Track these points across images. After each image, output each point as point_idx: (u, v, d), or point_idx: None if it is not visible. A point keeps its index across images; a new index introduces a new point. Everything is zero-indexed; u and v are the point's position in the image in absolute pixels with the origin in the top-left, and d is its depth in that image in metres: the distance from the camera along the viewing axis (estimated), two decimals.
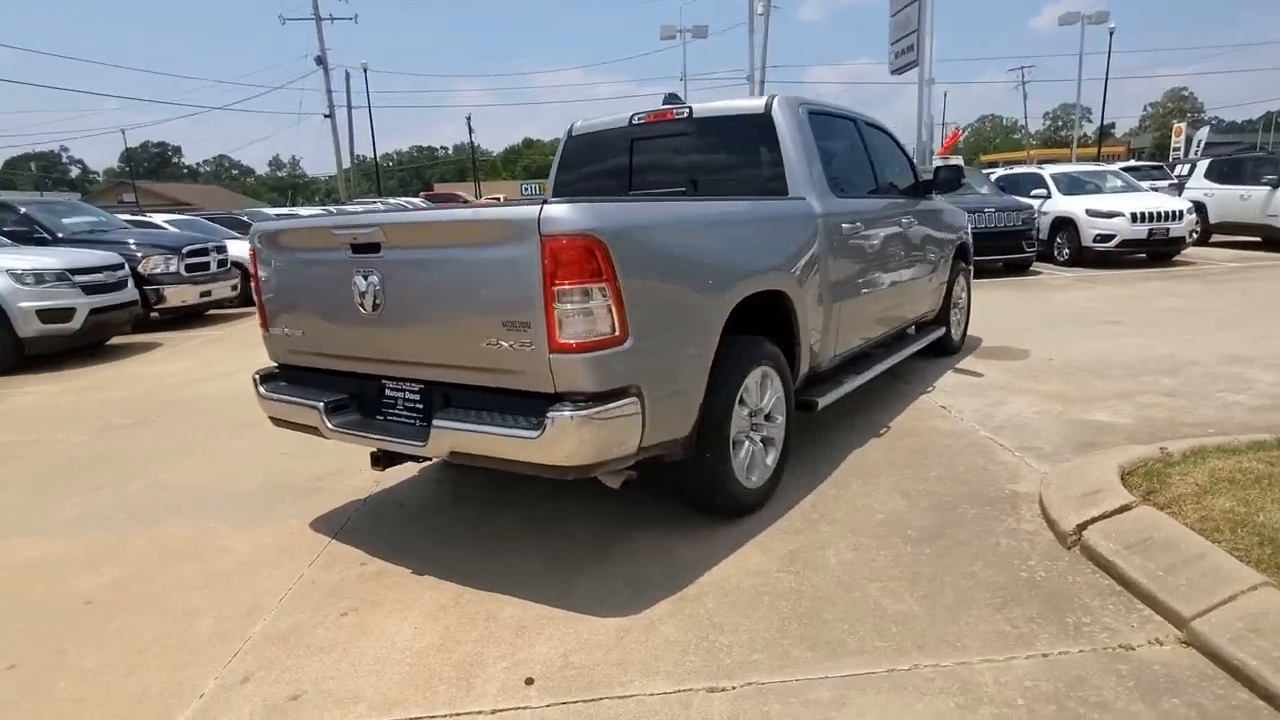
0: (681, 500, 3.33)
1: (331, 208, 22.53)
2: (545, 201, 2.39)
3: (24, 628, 2.72)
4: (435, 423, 2.65)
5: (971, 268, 6.50)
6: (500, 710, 2.14)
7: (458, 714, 2.13)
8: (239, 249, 11.44)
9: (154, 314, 10.16)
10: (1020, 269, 11.59)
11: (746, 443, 3.23)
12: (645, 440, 2.64)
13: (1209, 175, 14.27)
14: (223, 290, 10.93)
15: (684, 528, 3.20)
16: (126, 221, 12.86)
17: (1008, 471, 3.66)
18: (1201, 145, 27.99)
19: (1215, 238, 14.19)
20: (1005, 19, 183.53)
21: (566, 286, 2.38)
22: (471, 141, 64.10)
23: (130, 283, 8.91)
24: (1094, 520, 2.89)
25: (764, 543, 3.05)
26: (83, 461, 4.58)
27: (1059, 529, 2.97)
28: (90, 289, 8.13)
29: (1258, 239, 13.37)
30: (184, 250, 10.41)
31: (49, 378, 7.26)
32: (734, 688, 2.18)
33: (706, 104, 4.10)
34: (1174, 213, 11.27)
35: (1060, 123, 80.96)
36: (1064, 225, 11.98)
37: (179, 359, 8.13)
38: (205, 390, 6.41)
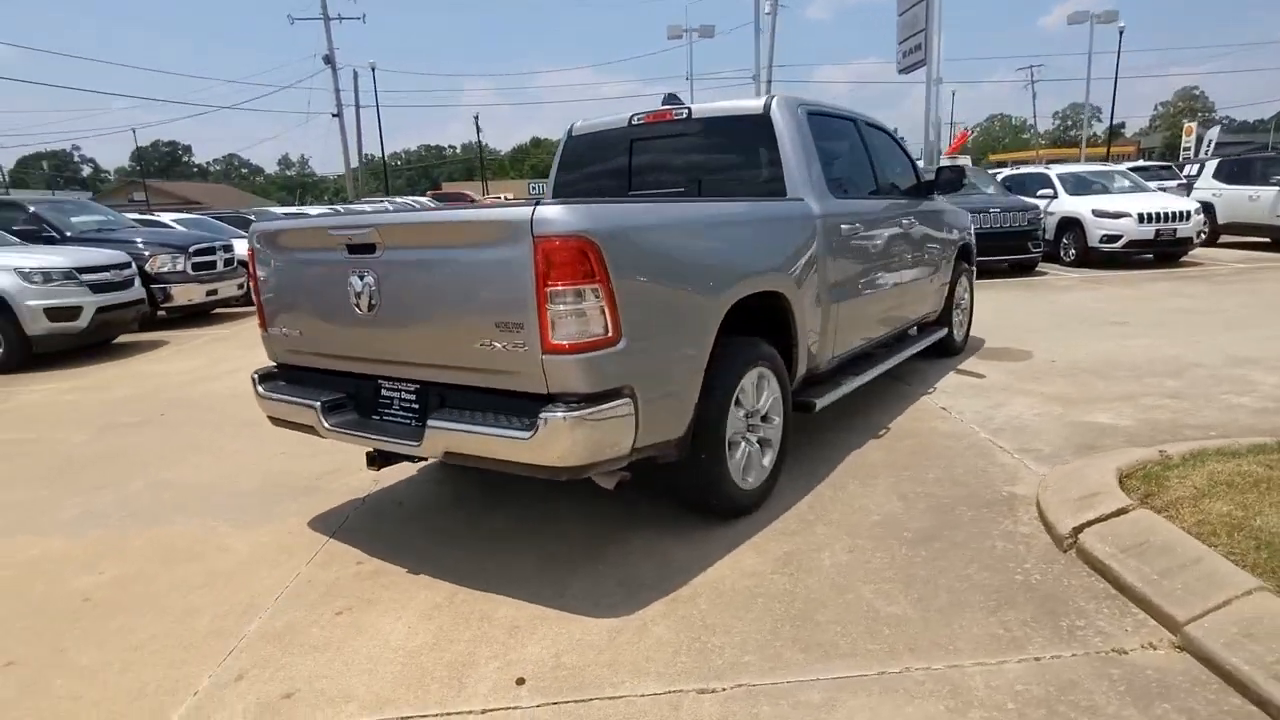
0: (677, 501, 3.34)
1: (339, 206, 22.65)
2: (538, 203, 2.40)
3: (24, 625, 2.74)
4: (430, 423, 2.66)
5: (974, 268, 6.48)
6: (490, 710, 2.14)
7: (448, 713, 2.14)
8: (245, 248, 11.50)
9: (161, 312, 10.22)
10: (1026, 269, 11.54)
11: (743, 444, 3.23)
12: (639, 441, 2.65)
13: (1217, 175, 14.17)
14: (229, 289, 10.99)
15: (679, 528, 3.20)
16: (134, 220, 12.94)
17: (1006, 474, 3.65)
18: (1212, 145, 27.76)
19: (1224, 238, 14.08)
20: (1014, 18, 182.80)
21: (559, 287, 2.38)
22: (479, 140, 64.33)
23: (137, 281, 8.97)
24: (1090, 523, 2.88)
25: (759, 544, 3.05)
26: (86, 460, 4.61)
27: (1055, 532, 2.96)
28: (97, 288, 8.19)
29: (1266, 240, 13.26)
30: (190, 249, 10.48)
31: (56, 376, 7.31)
32: (724, 689, 2.18)
33: (705, 104, 4.10)
34: (1181, 213, 11.20)
35: (1070, 122, 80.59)
36: (1070, 225, 11.93)
37: (185, 357, 8.17)
38: (211, 389, 6.44)
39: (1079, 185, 12.58)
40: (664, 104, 4.23)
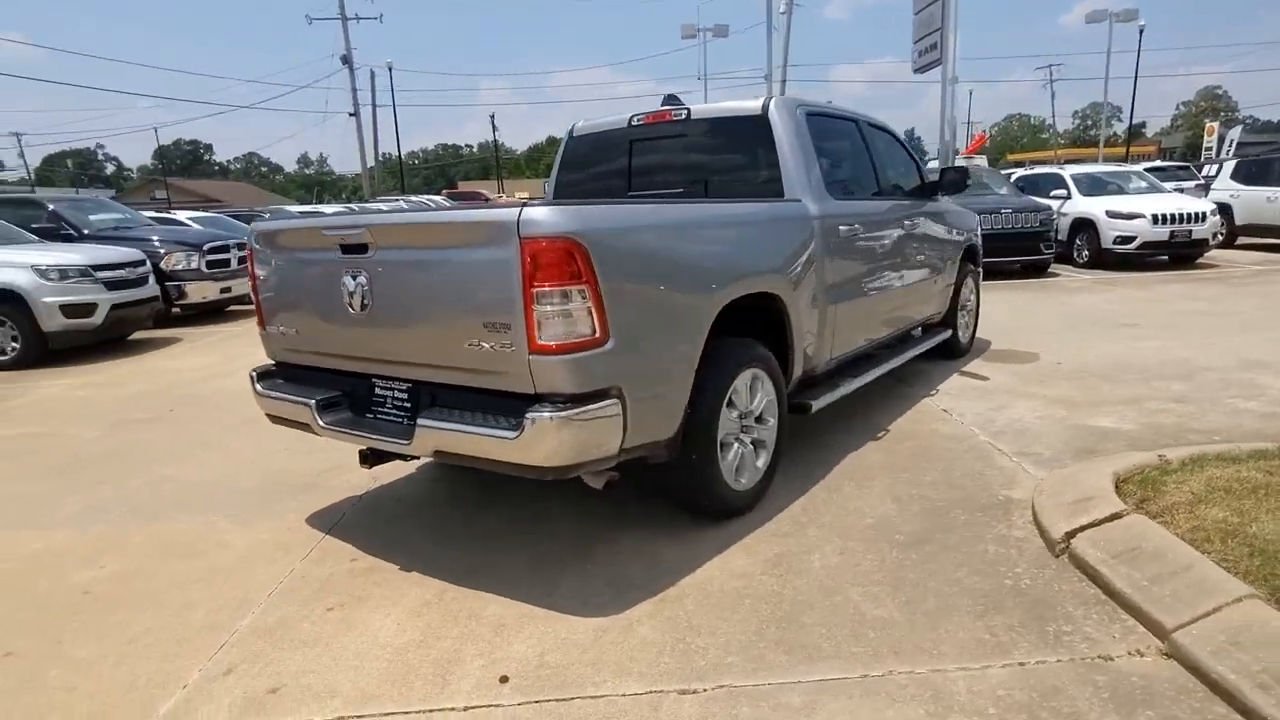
0: (668, 501, 3.34)
1: (354, 205, 22.83)
2: (524, 204, 2.41)
3: (24, 618, 2.79)
4: (420, 422, 2.68)
5: (981, 270, 6.43)
6: (472, 708, 2.16)
7: (431, 710, 2.16)
8: None
9: (175, 309, 10.34)
10: (1038, 271, 11.44)
11: (736, 445, 3.23)
12: (627, 442, 2.65)
13: (1235, 176, 13.97)
14: (243, 287, 11.09)
15: (670, 529, 3.20)
16: (151, 218, 13.10)
17: (1004, 477, 3.63)
18: (1234, 145, 27.37)
19: (1241, 240, 13.90)
20: (1034, 16, 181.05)
21: (546, 288, 2.39)
22: (495, 139, 64.57)
23: (151, 279, 9.08)
24: (1083, 528, 2.86)
25: (750, 545, 3.05)
26: (95, 456, 4.68)
27: (1048, 536, 2.94)
28: (112, 285, 8.31)
29: None
30: (205, 247, 10.61)
31: (71, 371, 7.42)
32: (705, 690, 2.19)
33: (704, 105, 4.11)
34: (1197, 214, 11.06)
35: (1089, 122, 79.73)
36: (1084, 226, 11.81)
37: (198, 354, 8.27)
38: (222, 386, 6.51)
39: (1093, 186, 12.45)
40: (663, 105, 4.23)
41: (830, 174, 4.01)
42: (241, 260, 11.19)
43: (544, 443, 2.45)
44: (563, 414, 2.44)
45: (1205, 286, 9.71)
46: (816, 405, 3.74)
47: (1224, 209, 13.00)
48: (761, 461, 3.40)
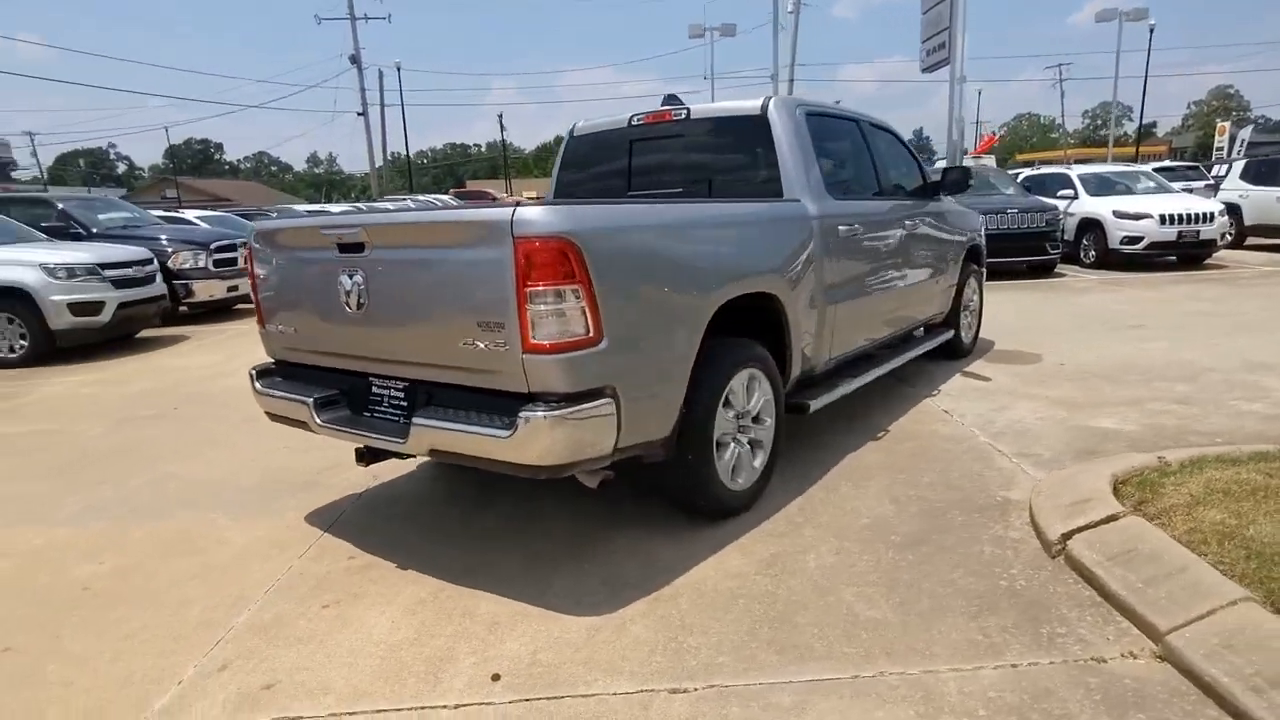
0: (665, 501, 3.34)
1: (361, 204, 22.92)
2: (518, 204, 2.42)
3: (25, 613, 2.82)
4: (415, 420, 2.69)
5: (984, 270, 6.41)
6: (463, 705, 2.17)
7: (422, 707, 2.17)
8: None
9: (183, 308, 10.41)
10: (1044, 271, 11.39)
11: (732, 445, 3.23)
12: (621, 441, 2.66)
13: (1244, 176, 13.88)
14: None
15: (667, 528, 3.21)
16: (159, 217, 13.19)
17: (1003, 478, 3.62)
18: (1244, 145, 27.17)
19: (1250, 240, 13.80)
20: (1045, 15, 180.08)
21: (539, 288, 2.40)
22: (503, 139, 64.69)
23: (159, 277, 9.14)
24: (1080, 529, 2.85)
25: (745, 545, 3.05)
26: (99, 453, 4.72)
27: (1045, 538, 2.93)
28: (119, 283, 8.36)
29: None
30: (212, 246, 10.67)
31: (78, 369, 7.48)
32: (696, 689, 2.19)
33: (704, 105, 4.11)
34: (1205, 214, 11.00)
35: (1100, 121, 79.19)
36: (1091, 227, 11.75)
37: (204, 352, 8.32)
38: (227, 384, 6.54)
39: (1100, 186, 12.38)
40: (663, 105, 4.23)
41: (830, 174, 4.01)
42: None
43: (537, 442, 2.45)
44: (556, 413, 2.45)
45: (1212, 287, 9.65)
46: (815, 405, 3.74)
47: (1233, 209, 12.91)
48: (759, 461, 3.40)
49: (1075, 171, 13.07)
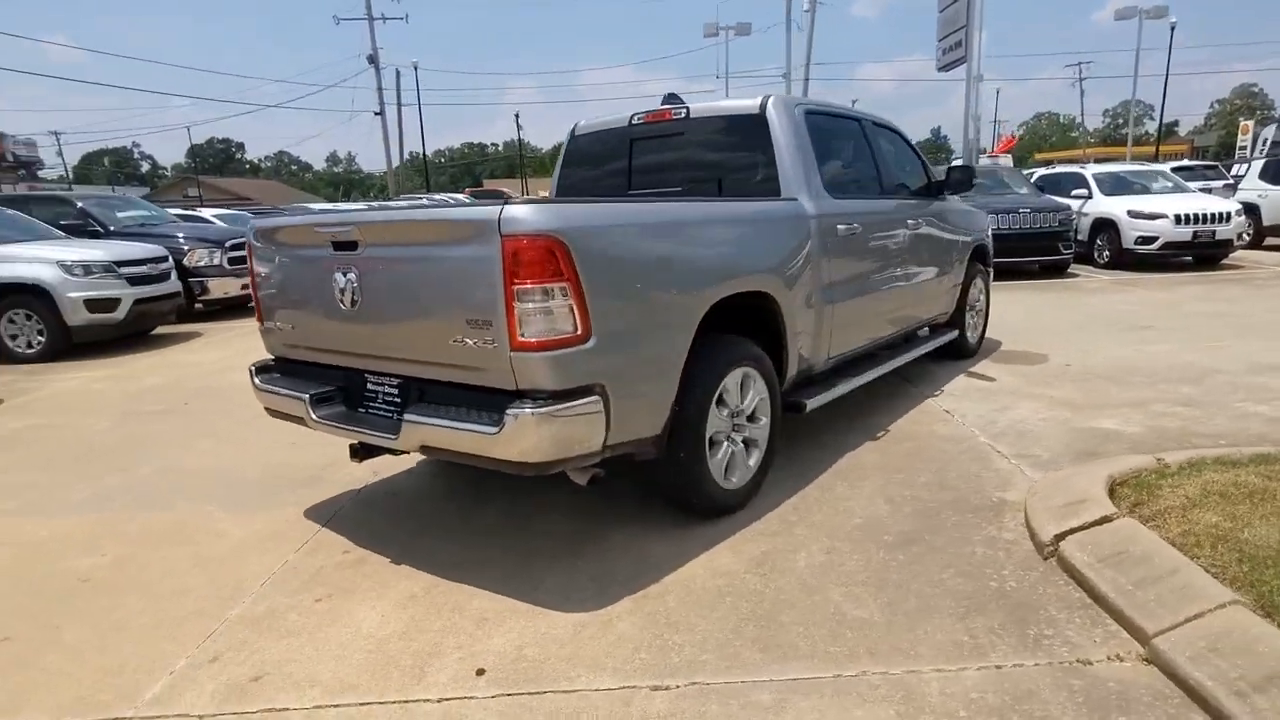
0: (660, 498, 3.35)
1: (374, 204, 23.08)
2: (505, 202, 2.44)
3: (24, 603, 2.87)
4: (406, 417, 2.72)
5: (991, 270, 6.36)
6: (447, 699, 2.19)
7: (406, 701, 2.19)
8: None
9: (198, 305, 10.55)
10: (1057, 271, 11.28)
11: (726, 443, 3.23)
12: (611, 439, 2.67)
13: (1264, 176, 13.67)
14: None
15: (662, 526, 3.22)
16: (175, 215, 13.36)
17: (1000, 479, 3.60)
18: (1268, 144, 26.73)
19: (1269, 240, 13.60)
20: (1065, 13, 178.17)
21: (527, 286, 2.42)
22: (519, 138, 64.88)
23: (174, 275, 9.25)
24: (1072, 531, 2.83)
25: (737, 544, 3.06)
26: (107, 446, 4.79)
27: (1037, 539, 2.91)
28: (135, 280, 8.47)
29: None
30: (227, 244, 10.79)
31: (92, 364, 7.59)
32: (677, 687, 2.20)
33: (703, 104, 4.11)
34: (1221, 214, 10.85)
35: (1120, 120, 78.19)
36: (1105, 227, 11.62)
37: (216, 348, 8.42)
38: (237, 380, 6.60)
39: (1115, 185, 12.24)
40: (664, 103, 4.24)
41: (829, 173, 3.99)
42: None
43: (524, 438, 2.47)
44: (543, 410, 2.46)
45: (1226, 288, 9.52)
46: (811, 405, 3.73)
47: (1251, 209, 12.73)
48: (754, 460, 3.40)
49: (1089, 171, 12.93)
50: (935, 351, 5.50)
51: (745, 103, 3.92)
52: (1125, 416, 4.39)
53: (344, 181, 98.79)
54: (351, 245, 2.82)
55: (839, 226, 3.89)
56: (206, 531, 3.42)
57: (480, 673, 2.30)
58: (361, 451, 3.27)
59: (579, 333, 2.51)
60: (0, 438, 5.11)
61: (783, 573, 2.82)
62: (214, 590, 2.89)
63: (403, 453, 3.26)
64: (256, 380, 3.40)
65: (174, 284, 9.21)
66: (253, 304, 3.50)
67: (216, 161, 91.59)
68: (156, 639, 2.57)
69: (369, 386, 3.04)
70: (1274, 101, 72.77)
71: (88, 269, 8.09)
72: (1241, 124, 38.03)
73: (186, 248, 10.38)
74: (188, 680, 2.33)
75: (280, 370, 3.45)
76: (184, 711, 2.19)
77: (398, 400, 2.93)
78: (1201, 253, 11.27)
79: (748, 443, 3.37)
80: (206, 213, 15.58)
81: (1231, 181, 16.48)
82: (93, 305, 8.03)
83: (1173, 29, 32.39)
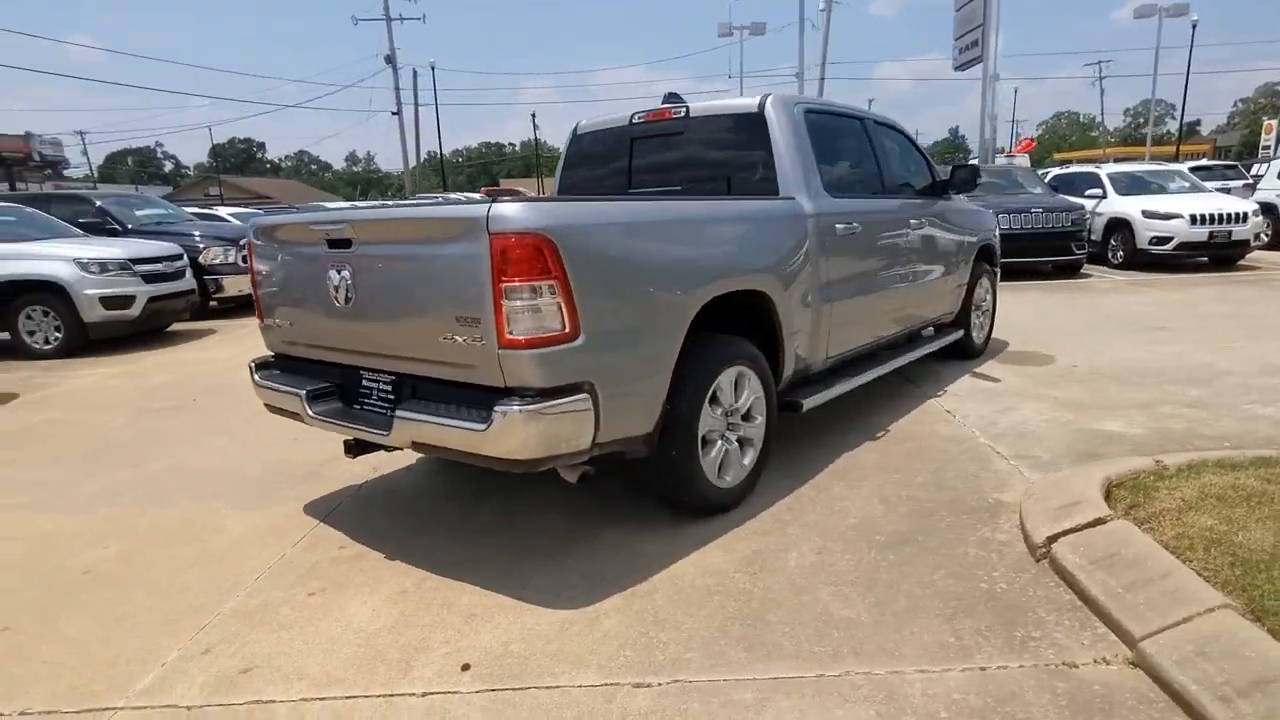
0: (653, 497, 3.36)
1: (387, 202, 23.24)
2: (494, 200, 2.45)
3: (26, 595, 2.92)
4: (397, 414, 2.74)
5: (998, 270, 6.31)
6: (431, 694, 2.21)
7: (391, 695, 2.21)
8: None
9: (213, 302, 10.68)
10: (1070, 271, 11.17)
11: (719, 442, 3.23)
12: (600, 436, 2.68)
13: None
14: None
15: (654, 525, 3.22)
16: (192, 214, 13.53)
17: (998, 480, 3.57)
18: None
19: None
20: (1084, 12, 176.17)
21: (515, 284, 2.43)
22: (535, 137, 65.05)
23: (189, 272, 9.37)
24: (1065, 533, 2.81)
25: (728, 543, 3.06)
26: (118, 442, 4.86)
27: (1030, 541, 2.90)
28: (150, 278, 8.58)
29: None
30: (241, 242, 10.90)
31: (108, 361, 7.70)
32: (660, 684, 2.21)
33: (703, 103, 4.11)
34: (1238, 215, 10.69)
35: (1141, 119, 77.22)
36: (1119, 226, 11.49)
37: (228, 346, 8.51)
38: (246, 377, 6.64)
39: (1130, 185, 12.09)
40: (664, 103, 4.24)
41: (829, 172, 3.98)
42: None
43: (512, 435, 2.49)
44: (531, 408, 2.47)
45: (1241, 289, 9.39)
46: (808, 405, 3.72)
47: (1269, 209, 12.53)
48: (748, 459, 3.40)
49: (1104, 170, 12.78)
50: (940, 351, 5.47)
51: (744, 102, 3.92)
52: (1130, 418, 4.35)
53: (363, 181, 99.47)
54: (345, 243, 2.85)
55: (838, 226, 3.88)
56: (208, 526, 3.47)
57: (466, 668, 2.32)
58: (356, 448, 3.30)
59: (567, 331, 2.52)
60: (16, 432, 5.20)
61: (773, 572, 2.82)
62: (211, 584, 2.92)
63: (396, 449, 3.29)
64: (256, 376, 3.45)
65: (189, 281, 9.32)
66: None
67: (238, 161, 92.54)
68: (153, 631, 2.61)
69: (364, 383, 3.07)
70: None
71: (104, 266, 8.21)
72: (1265, 123, 37.44)
73: (202, 246, 10.52)
74: (179, 672, 2.36)
75: (280, 367, 3.49)
76: (173, 702, 2.22)
77: (391, 397, 2.96)
78: (1217, 253, 11.12)
79: (742, 442, 3.37)
80: (223, 211, 15.77)
81: (1250, 181, 16.23)
82: (108, 302, 8.14)
83: (1194, 27, 31.97)
